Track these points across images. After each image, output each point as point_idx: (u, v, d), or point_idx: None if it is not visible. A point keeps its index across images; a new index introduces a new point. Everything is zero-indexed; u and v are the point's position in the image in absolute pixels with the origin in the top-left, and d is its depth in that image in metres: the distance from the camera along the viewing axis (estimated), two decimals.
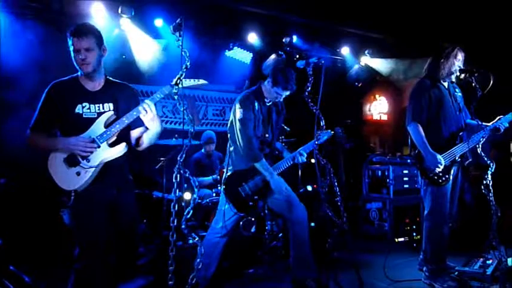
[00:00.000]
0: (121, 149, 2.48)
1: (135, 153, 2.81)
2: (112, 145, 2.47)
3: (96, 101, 2.50)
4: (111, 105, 2.52)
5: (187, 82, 2.52)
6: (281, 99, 3.32)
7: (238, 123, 3.19)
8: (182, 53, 2.16)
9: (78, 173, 2.38)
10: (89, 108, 2.47)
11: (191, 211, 2.12)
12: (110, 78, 2.63)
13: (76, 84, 2.52)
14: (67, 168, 2.39)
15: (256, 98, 3.27)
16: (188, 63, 2.15)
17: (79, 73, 2.52)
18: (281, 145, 3.52)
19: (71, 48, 2.41)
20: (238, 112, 3.20)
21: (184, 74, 2.18)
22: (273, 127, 3.36)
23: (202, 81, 2.61)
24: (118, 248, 2.50)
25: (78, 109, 2.45)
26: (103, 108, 2.50)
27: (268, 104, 3.34)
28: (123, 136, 2.53)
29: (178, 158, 2.09)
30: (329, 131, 3.22)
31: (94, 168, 2.40)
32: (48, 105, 2.46)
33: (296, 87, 3.28)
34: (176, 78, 2.20)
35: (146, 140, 2.62)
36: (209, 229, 3.34)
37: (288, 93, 3.28)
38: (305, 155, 3.29)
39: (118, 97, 2.56)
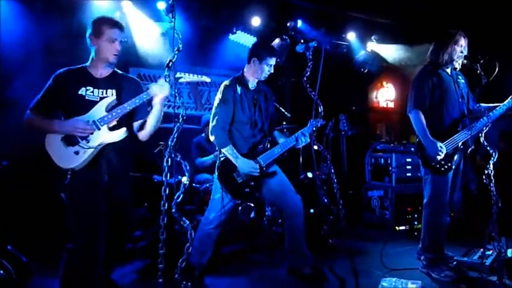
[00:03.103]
0: (121, 133, 2.51)
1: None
2: (112, 129, 2.50)
3: (100, 86, 2.55)
4: (114, 91, 2.57)
5: (190, 77, 2.55)
6: (271, 70, 3.23)
7: (213, 109, 3.19)
8: (175, 35, 2.12)
9: (76, 152, 2.42)
10: (92, 92, 2.52)
11: (181, 195, 2.11)
12: (118, 71, 2.69)
13: (83, 71, 2.58)
14: (65, 147, 2.42)
15: (239, 83, 3.23)
16: (180, 46, 2.12)
17: (88, 63, 2.59)
18: (278, 133, 3.46)
19: (107, 37, 2.47)
20: (216, 98, 3.19)
21: (176, 56, 2.15)
22: (262, 113, 3.30)
23: (204, 78, 2.63)
24: (110, 232, 2.50)
25: (81, 91, 2.50)
26: (106, 94, 2.55)
27: (252, 89, 3.28)
28: (124, 122, 2.56)
29: (169, 142, 2.07)
30: (320, 119, 3.15)
31: (92, 149, 2.42)
32: (52, 91, 2.51)
33: (279, 53, 3.23)
34: (168, 60, 2.17)
35: (149, 126, 2.65)
36: (202, 218, 3.30)
37: (274, 60, 3.20)
38: (307, 135, 3.22)
39: (122, 87, 2.60)
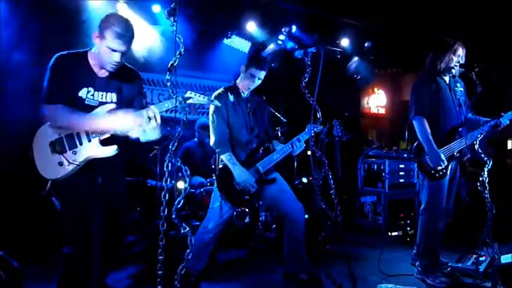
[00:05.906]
0: (111, 150, 2.36)
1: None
2: (103, 143, 2.34)
3: (101, 88, 2.39)
4: (114, 96, 2.43)
5: (197, 98, 2.36)
6: (259, 82, 3.23)
7: (210, 117, 3.19)
8: (177, 38, 2.10)
9: (60, 163, 2.26)
10: (92, 95, 2.36)
11: (182, 201, 2.08)
12: None
13: (84, 62, 2.37)
14: (51, 154, 2.26)
15: (231, 92, 3.24)
16: (182, 49, 2.10)
17: (93, 50, 2.37)
18: (275, 141, 3.46)
19: (107, 45, 2.25)
20: (211, 106, 3.18)
21: (178, 60, 2.13)
22: (257, 121, 3.31)
23: (216, 102, 2.64)
24: (105, 237, 2.44)
25: (82, 93, 2.33)
26: (106, 98, 2.40)
27: (244, 97, 3.28)
28: (117, 137, 2.40)
29: (170, 147, 2.05)
30: (318, 124, 3.16)
31: (77, 164, 2.27)
32: (58, 77, 2.28)
33: (270, 66, 3.24)
34: (170, 64, 2.15)
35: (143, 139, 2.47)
36: (200, 227, 3.26)
37: (262, 73, 3.19)
38: (303, 141, 3.21)
39: (122, 85, 2.46)
